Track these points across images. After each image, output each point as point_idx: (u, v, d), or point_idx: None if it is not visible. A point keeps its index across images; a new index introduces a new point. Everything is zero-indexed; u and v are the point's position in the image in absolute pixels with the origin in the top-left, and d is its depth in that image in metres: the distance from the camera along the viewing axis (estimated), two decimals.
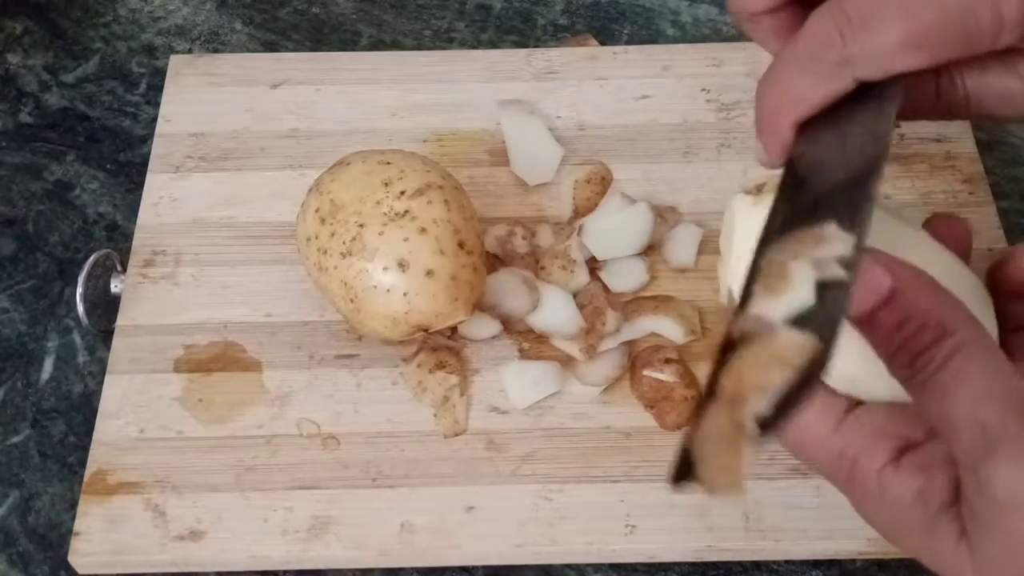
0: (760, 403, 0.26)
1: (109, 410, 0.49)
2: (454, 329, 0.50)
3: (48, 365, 0.53)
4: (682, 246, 0.53)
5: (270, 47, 0.64)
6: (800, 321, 0.28)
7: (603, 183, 0.55)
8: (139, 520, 0.46)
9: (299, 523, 0.46)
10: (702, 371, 0.49)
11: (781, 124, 0.35)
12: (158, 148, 0.57)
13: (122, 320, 0.51)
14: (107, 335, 0.51)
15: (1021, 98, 0.37)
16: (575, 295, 0.51)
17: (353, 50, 0.64)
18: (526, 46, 0.63)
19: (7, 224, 0.57)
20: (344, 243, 0.45)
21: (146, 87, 0.62)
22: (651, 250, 0.53)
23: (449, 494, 0.46)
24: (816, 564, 0.47)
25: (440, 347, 0.50)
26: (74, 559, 0.45)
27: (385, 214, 0.45)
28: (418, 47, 0.64)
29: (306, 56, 0.61)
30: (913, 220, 0.37)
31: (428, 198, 0.46)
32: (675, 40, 0.64)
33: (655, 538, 0.45)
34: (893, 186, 0.55)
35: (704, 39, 0.64)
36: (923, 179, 0.55)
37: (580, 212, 0.54)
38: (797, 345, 0.27)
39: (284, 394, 0.49)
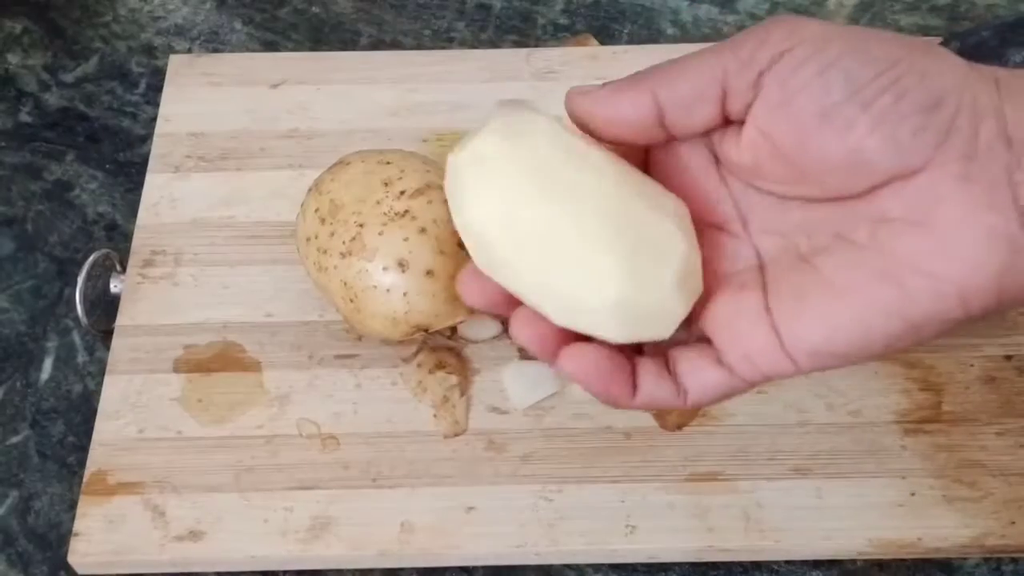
0: None
1: (108, 410, 0.49)
2: (454, 329, 0.50)
3: (47, 365, 0.53)
4: None
5: (270, 47, 0.64)
6: None
7: None
8: (139, 520, 0.46)
9: (299, 523, 0.46)
10: None
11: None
12: (157, 148, 0.57)
13: (122, 320, 0.51)
14: (107, 335, 0.51)
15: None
16: None
17: (353, 50, 0.64)
18: (526, 46, 0.63)
19: (7, 224, 0.57)
20: (344, 243, 0.45)
21: (146, 87, 0.62)
22: None
23: (449, 494, 0.46)
24: (816, 564, 0.47)
25: (440, 347, 0.50)
26: (73, 559, 0.45)
27: (385, 214, 0.45)
28: (418, 47, 0.64)
29: (306, 56, 0.61)
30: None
31: (428, 198, 0.46)
32: (675, 40, 0.64)
33: (655, 538, 0.45)
34: None
35: (704, 39, 0.64)
36: None
37: None
38: None
39: (284, 394, 0.49)
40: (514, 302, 0.35)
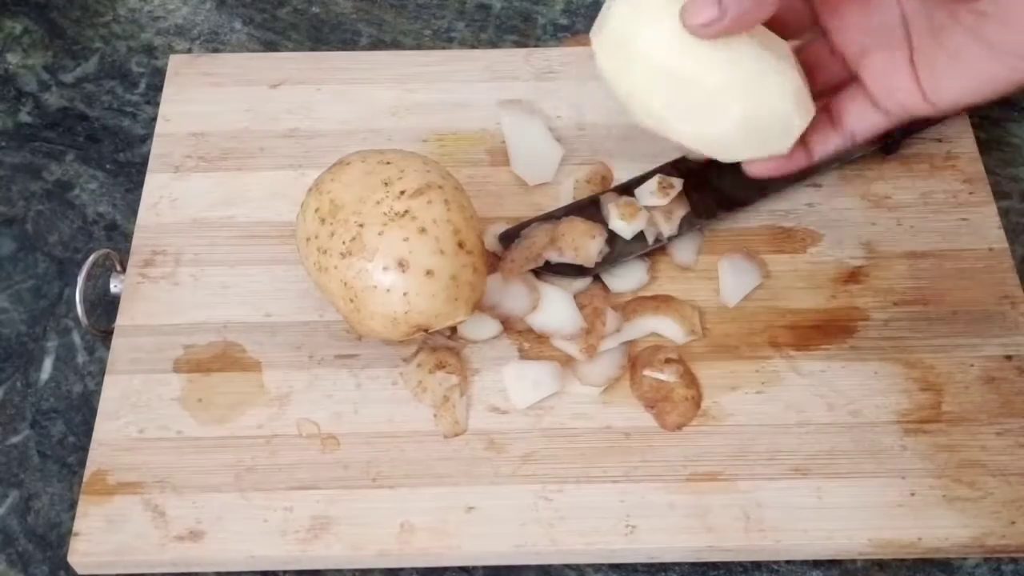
0: None
1: (108, 410, 0.49)
2: (454, 329, 0.50)
3: (47, 365, 0.53)
4: (683, 247, 0.53)
5: (270, 47, 0.64)
6: None
7: (603, 183, 0.55)
8: (139, 520, 0.46)
9: (299, 523, 0.46)
10: (702, 371, 0.49)
11: None
12: (157, 148, 0.57)
13: (122, 320, 0.51)
14: (107, 335, 0.51)
15: None
16: (575, 296, 0.51)
17: (353, 50, 0.64)
18: (526, 46, 0.63)
19: (7, 224, 0.57)
20: (344, 243, 0.45)
21: (146, 87, 0.62)
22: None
23: (449, 494, 0.46)
24: (816, 564, 0.47)
25: (440, 347, 0.50)
26: (73, 559, 0.45)
27: (385, 214, 0.45)
28: (418, 47, 0.64)
29: (306, 56, 0.61)
30: None
31: (428, 198, 0.46)
32: None
33: (655, 538, 0.45)
34: (894, 186, 0.55)
35: None
36: (923, 179, 0.55)
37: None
38: None
39: (284, 394, 0.49)
40: None
